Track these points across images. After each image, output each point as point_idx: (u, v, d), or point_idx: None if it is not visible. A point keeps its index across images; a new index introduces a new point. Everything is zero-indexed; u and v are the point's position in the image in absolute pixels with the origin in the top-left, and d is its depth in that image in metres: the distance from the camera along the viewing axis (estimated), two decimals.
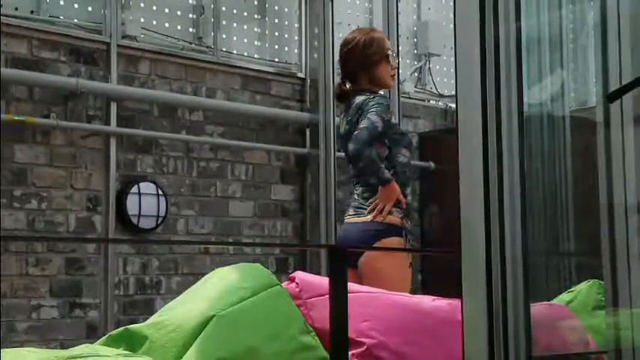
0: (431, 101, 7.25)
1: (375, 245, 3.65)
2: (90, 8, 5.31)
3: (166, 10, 5.69)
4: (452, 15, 2.04)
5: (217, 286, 2.27)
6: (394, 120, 3.89)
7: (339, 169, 6.03)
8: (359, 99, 3.69)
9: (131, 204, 5.28)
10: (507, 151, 2.01)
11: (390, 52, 3.80)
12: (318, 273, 5.29)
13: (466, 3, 2.02)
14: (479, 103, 2.02)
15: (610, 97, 2.00)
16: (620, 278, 1.98)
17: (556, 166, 2.38)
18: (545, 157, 2.35)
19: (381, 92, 3.94)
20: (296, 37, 6.42)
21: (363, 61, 3.77)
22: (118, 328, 2.23)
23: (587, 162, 2.19)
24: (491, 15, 2.03)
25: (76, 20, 5.24)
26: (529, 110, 2.23)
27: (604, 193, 2.04)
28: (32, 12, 5.07)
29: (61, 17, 5.19)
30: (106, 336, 2.19)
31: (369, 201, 3.66)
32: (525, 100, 2.10)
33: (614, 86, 2.00)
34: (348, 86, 3.81)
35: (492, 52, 2.02)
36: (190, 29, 5.84)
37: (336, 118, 6.31)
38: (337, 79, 6.26)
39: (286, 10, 6.41)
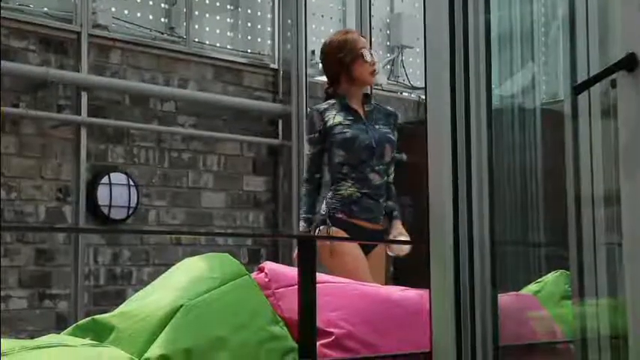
0: (404, 93, 7.26)
1: None
2: None
3: (138, 0, 5.65)
4: None
5: (185, 276, 2.27)
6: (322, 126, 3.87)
7: None
8: None
9: (102, 194, 5.25)
10: (476, 144, 2.02)
11: (364, 51, 3.83)
12: (289, 264, 5.29)
13: None
14: (448, 96, 2.03)
15: (577, 90, 2.01)
16: (587, 269, 2.00)
17: (525, 158, 2.39)
18: (514, 148, 2.37)
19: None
20: (269, 28, 6.40)
21: (339, 63, 3.86)
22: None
23: (556, 154, 2.21)
24: (461, 8, 2.04)
25: (46, 9, 5.18)
26: (499, 102, 2.24)
27: (571, 184, 2.06)
28: (1, 0, 5.01)
29: (31, 6, 5.13)
30: (73, 326, 2.18)
31: None
32: (495, 92, 2.12)
33: (582, 79, 2.02)
34: (330, 90, 3.93)
35: (461, 46, 2.04)
36: (162, 19, 5.80)
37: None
38: (310, 71, 6.32)
39: (259, 0, 6.39)
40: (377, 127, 3.84)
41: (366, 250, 3.73)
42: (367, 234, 3.76)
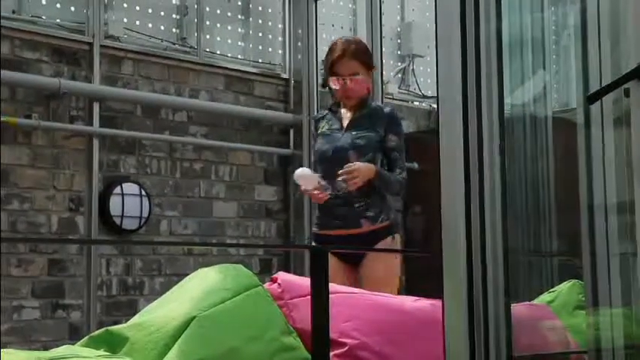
0: (414, 102, 7.26)
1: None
2: (72, 8, 5.28)
3: (150, 11, 5.67)
4: None
5: (199, 287, 2.27)
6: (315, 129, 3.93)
7: None
8: None
9: (114, 205, 5.26)
10: (488, 153, 2.02)
11: (336, 67, 3.75)
12: (301, 274, 5.29)
13: (447, 5, 2.03)
14: (460, 105, 2.03)
15: (590, 99, 2.01)
16: (601, 278, 1.99)
17: (537, 167, 2.39)
18: (527, 157, 2.37)
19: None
20: (280, 38, 6.42)
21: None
22: (100, 329, 2.23)
23: (569, 163, 2.20)
24: (473, 17, 2.04)
25: (58, 20, 5.22)
26: (511, 111, 2.24)
27: (584, 193, 2.05)
28: (14, 12, 5.04)
29: (44, 17, 5.17)
30: (87, 337, 2.18)
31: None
32: (507, 101, 2.11)
33: (594, 88, 2.01)
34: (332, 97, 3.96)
35: (473, 55, 2.03)
36: (174, 30, 5.83)
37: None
38: (320, 81, 6.32)
39: (270, 10, 6.41)
40: (354, 133, 3.74)
41: (351, 260, 3.66)
42: (345, 241, 3.66)
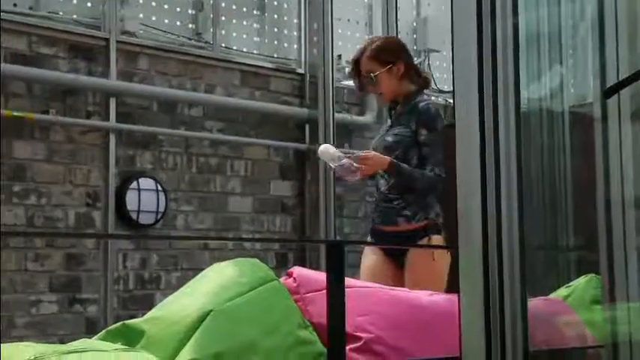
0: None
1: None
2: (89, 4, 5.31)
3: (165, 6, 5.69)
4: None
5: (215, 281, 2.28)
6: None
7: None
8: None
9: (130, 200, 5.29)
10: (505, 147, 2.01)
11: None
12: (317, 268, 5.29)
13: (463, 0, 2.03)
14: (476, 100, 2.02)
15: (607, 93, 2.00)
16: (618, 273, 1.99)
17: (554, 162, 2.38)
18: (543, 152, 2.36)
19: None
20: (295, 33, 6.42)
21: None
22: (117, 323, 2.24)
23: (585, 157, 2.20)
24: (489, 11, 2.03)
25: (74, 16, 5.24)
26: (527, 106, 2.23)
27: (601, 188, 2.05)
28: (31, 8, 5.07)
29: (60, 13, 5.19)
30: (104, 331, 2.19)
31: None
32: (523, 95, 2.11)
33: (611, 82, 2.01)
34: None
35: (490, 49, 2.03)
36: (190, 25, 5.84)
37: (339, 115, 6.34)
38: (337, 75, 6.33)
39: (285, 5, 6.41)
40: (391, 130, 3.73)
41: (397, 259, 3.64)
42: (387, 237, 3.65)
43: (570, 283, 2.67)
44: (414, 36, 7.16)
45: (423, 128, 3.64)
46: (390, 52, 3.78)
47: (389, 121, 3.83)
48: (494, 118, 2.02)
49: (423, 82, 3.82)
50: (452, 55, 2.07)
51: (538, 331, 2.08)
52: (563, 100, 2.46)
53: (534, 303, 2.10)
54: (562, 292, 2.68)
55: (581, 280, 2.66)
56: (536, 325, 2.05)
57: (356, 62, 3.77)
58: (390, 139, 3.69)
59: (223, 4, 5.97)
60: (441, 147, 3.63)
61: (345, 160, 3.58)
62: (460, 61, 2.07)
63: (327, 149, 3.68)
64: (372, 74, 3.73)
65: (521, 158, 2.02)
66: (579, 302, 2.62)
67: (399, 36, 6.34)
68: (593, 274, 2.57)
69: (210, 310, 2.12)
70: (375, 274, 3.59)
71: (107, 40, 5.27)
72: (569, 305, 2.63)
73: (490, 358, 1.93)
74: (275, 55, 6.29)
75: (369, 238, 3.87)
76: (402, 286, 3.37)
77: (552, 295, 2.61)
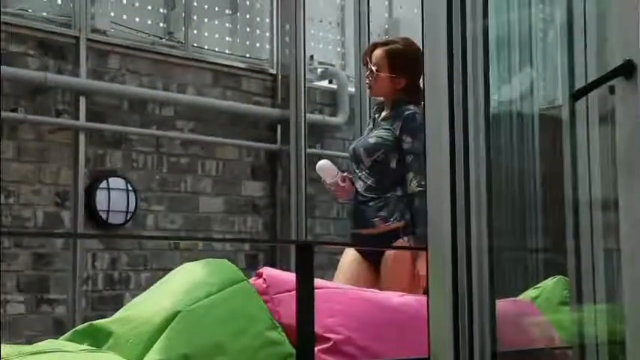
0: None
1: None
2: (59, 1, 5.26)
3: (136, 5, 5.65)
4: None
5: (184, 282, 2.26)
6: None
7: (309, 165, 6.02)
8: None
9: (100, 199, 5.25)
10: (474, 149, 2.02)
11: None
12: (287, 269, 5.29)
13: (433, 1, 2.03)
14: (446, 101, 2.03)
15: (575, 96, 2.02)
16: (585, 274, 2.00)
17: (523, 164, 2.40)
18: (513, 154, 2.37)
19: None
20: (267, 33, 6.41)
21: None
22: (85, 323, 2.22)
23: (554, 159, 2.21)
24: (459, 14, 2.04)
25: (44, 13, 5.19)
26: (497, 108, 2.25)
27: (569, 190, 2.06)
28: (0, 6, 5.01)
29: (30, 10, 5.14)
30: (71, 331, 2.18)
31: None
32: (493, 98, 2.12)
33: (580, 85, 2.02)
34: None
35: (459, 51, 2.04)
36: (161, 24, 5.81)
37: (311, 115, 6.34)
38: (309, 76, 6.33)
39: (258, 5, 6.40)
40: (376, 132, 3.69)
41: (375, 259, 3.59)
42: (364, 240, 3.63)
43: (538, 285, 2.68)
44: (386, 37, 7.17)
45: (408, 136, 3.59)
46: (402, 62, 3.70)
47: (372, 123, 3.83)
48: (464, 121, 2.03)
49: (417, 98, 3.65)
50: (422, 57, 2.08)
51: (506, 332, 2.09)
52: (532, 102, 2.47)
53: (503, 304, 2.11)
54: (530, 293, 2.69)
55: (549, 282, 2.68)
56: (505, 326, 2.06)
57: (375, 45, 3.79)
58: (371, 140, 3.65)
59: (195, 4, 5.95)
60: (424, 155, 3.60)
61: (340, 178, 3.62)
62: (430, 63, 2.08)
63: (325, 165, 3.71)
64: (375, 69, 3.71)
65: (491, 161, 2.03)
66: (547, 303, 2.64)
67: (371, 37, 6.35)
68: (561, 276, 2.59)
69: (179, 311, 2.11)
70: (352, 273, 3.59)
71: (77, 38, 5.23)
72: (538, 306, 2.65)
73: (458, 358, 1.94)
74: (247, 55, 6.28)
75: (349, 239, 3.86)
76: (379, 286, 3.35)
77: (521, 297, 2.62)
